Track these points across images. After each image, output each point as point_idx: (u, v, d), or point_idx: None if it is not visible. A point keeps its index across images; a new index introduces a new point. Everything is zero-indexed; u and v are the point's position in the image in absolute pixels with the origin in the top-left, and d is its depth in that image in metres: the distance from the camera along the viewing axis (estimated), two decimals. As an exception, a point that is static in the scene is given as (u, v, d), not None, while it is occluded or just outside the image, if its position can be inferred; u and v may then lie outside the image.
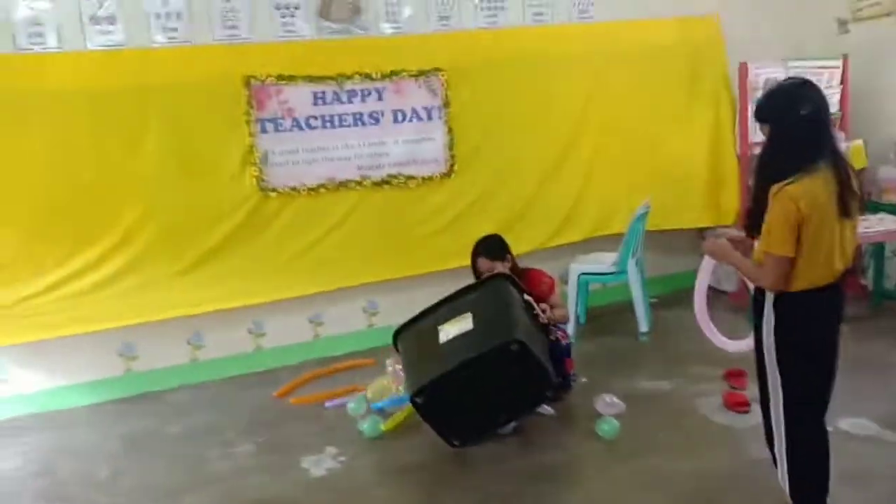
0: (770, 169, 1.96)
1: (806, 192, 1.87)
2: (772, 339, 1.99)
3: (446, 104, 4.28)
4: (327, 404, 3.42)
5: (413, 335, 3.01)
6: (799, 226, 1.87)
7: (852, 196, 1.95)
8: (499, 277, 3.06)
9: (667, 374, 3.46)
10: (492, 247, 3.42)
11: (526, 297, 3.03)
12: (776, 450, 2.06)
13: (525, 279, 3.30)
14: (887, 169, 4.39)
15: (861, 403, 2.87)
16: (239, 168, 3.91)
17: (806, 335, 1.97)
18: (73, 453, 3.29)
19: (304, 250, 4.11)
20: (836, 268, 1.95)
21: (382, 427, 3.10)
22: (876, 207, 4.34)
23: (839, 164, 1.94)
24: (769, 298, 1.99)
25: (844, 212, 1.92)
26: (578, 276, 4.22)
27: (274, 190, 4.00)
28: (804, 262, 1.91)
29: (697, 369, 3.52)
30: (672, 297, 4.80)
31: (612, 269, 4.09)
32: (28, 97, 3.52)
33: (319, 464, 2.93)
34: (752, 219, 2.03)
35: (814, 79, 2.07)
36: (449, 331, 2.81)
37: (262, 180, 3.97)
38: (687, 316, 4.38)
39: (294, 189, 4.04)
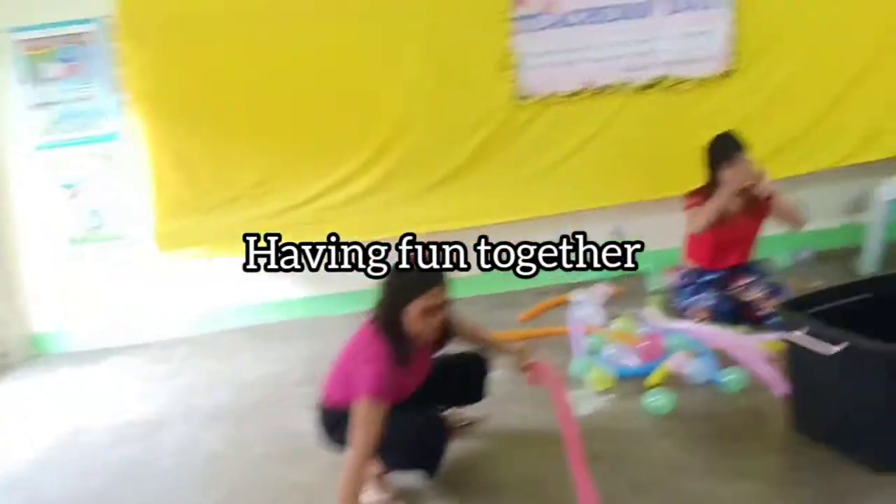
0: None
1: None
2: None
3: (733, -12, 3.53)
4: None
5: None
6: None
7: None
8: None
9: None
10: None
11: None
12: None
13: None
14: None
15: None
16: (493, 74, 3.61)
17: None
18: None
19: (554, 165, 3.75)
20: None
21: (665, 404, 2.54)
22: None
23: None
24: None
25: None
26: (888, 203, 3.39)
27: (529, 97, 3.66)
28: None
29: None
30: None
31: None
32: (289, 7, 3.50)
33: (586, 401, 2.65)
34: None
35: None
36: None
37: (518, 86, 3.64)
38: None
39: (549, 96, 3.66)
